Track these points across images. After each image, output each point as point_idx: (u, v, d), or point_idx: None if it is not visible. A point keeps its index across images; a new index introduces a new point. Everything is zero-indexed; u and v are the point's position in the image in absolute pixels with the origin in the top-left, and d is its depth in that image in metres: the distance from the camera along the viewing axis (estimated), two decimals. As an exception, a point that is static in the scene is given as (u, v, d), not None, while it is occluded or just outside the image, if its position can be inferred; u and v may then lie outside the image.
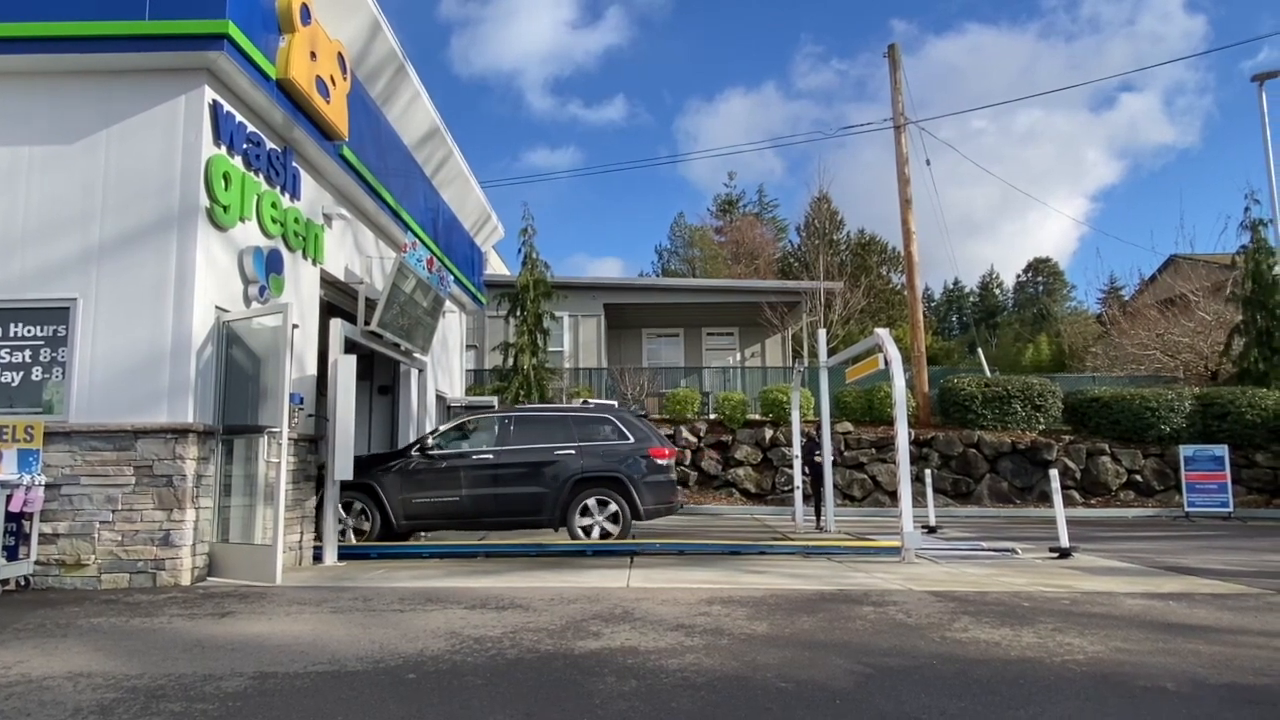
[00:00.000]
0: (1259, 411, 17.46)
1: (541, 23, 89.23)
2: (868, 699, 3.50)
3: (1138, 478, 17.90)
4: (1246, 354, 20.01)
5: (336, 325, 8.63)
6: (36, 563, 6.43)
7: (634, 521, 9.60)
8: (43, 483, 6.42)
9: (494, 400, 15.31)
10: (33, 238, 6.83)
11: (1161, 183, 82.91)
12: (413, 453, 9.73)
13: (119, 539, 6.53)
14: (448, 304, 12.42)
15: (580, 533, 9.41)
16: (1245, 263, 20.49)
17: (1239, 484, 16.85)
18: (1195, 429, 17.76)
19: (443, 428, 10.29)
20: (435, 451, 9.70)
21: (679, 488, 10.21)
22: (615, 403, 11.84)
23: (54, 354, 6.75)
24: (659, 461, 9.76)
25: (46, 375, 6.74)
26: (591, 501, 9.50)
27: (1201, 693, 3.59)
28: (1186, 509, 16.06)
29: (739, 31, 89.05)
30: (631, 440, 9.79)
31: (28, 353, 6.76)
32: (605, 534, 9.40)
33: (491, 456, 9.69)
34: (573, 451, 9.64)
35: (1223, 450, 16.23)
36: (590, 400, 12.18)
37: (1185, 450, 16.45)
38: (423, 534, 10.36)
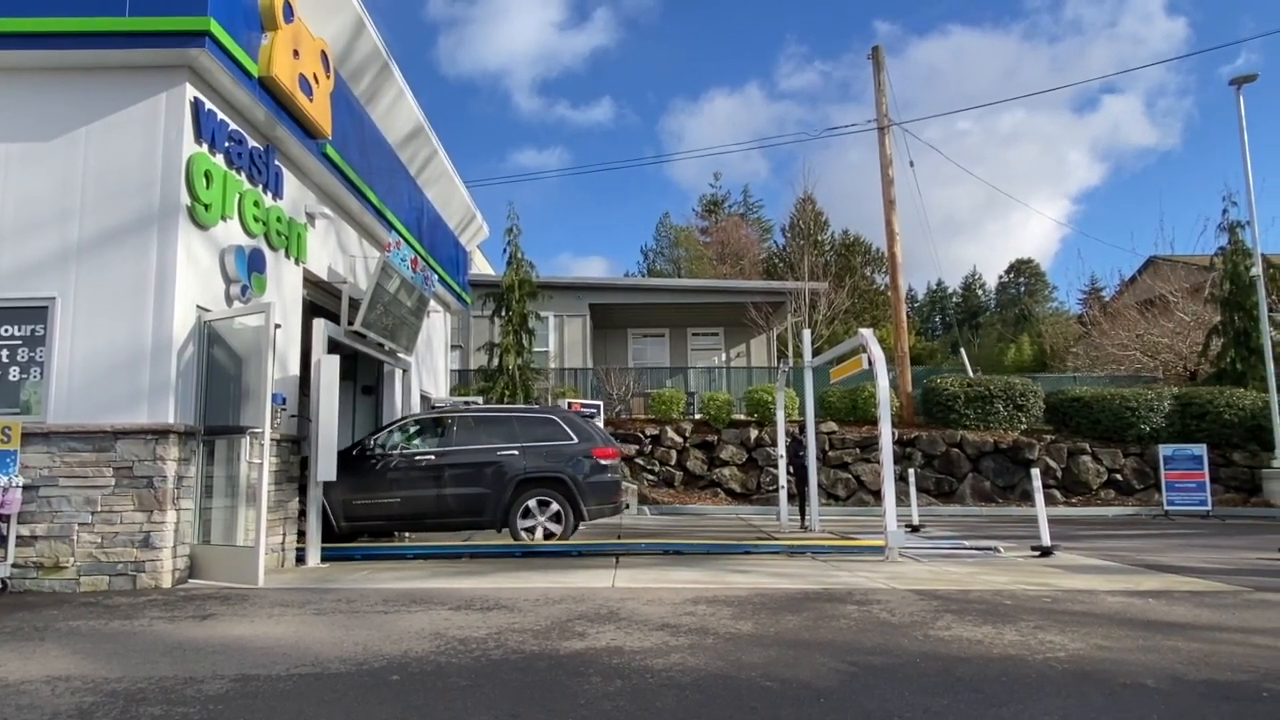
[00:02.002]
0: (1236, 411, 17.71)
1: (529, 23, 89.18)
2: (852, 697, 3.51)
3: (1118, 477, 18.10)
4: (1224, 354, 20.29)
5: (320, 325, 8.57)
6: (14, 565, 6.34)
7: (578, 523, 9.55)
8: (20, 484, 6.33)
9: (479, 400, 15.26)
10: (10, 236, 6.73)
11: (1142, 184, 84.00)
12: (354, 453, 9.57)
13: (98, 541, 6.45)
14: (432, 304, 12.36)
15: (523, 534, 9.34)
16: (1223, 264, 20.79)
17: (1217, 483, 17.07)
18: (1174, 429, 17.99)
19: (385, 428, 10.15)
20: (377, 452, 9.57)
21: (623, 486, 10.17)
22: (600, 403, 11.83)
23: (32, 354, 6.65)
24: (603, 462, 9.70)
25: (24, 375, 6.65)
26: (534, 502, 9.43)
27: (1180, 689, 3.64)
28: (1166, 507, 16.24)
29: (724, 33, 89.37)
30: (575, 440, 9.71)
31: (5, 352, 6.66)
32: (548, 535, 9.34)
33: (434, 457, 9.54)
34: (515, 452, 9.55)
35: (1201, 449, 16.42)
36: (574, 401, 12.14)
37: (1164, 450, 16.63)
38: (406, 535, 10.30)
